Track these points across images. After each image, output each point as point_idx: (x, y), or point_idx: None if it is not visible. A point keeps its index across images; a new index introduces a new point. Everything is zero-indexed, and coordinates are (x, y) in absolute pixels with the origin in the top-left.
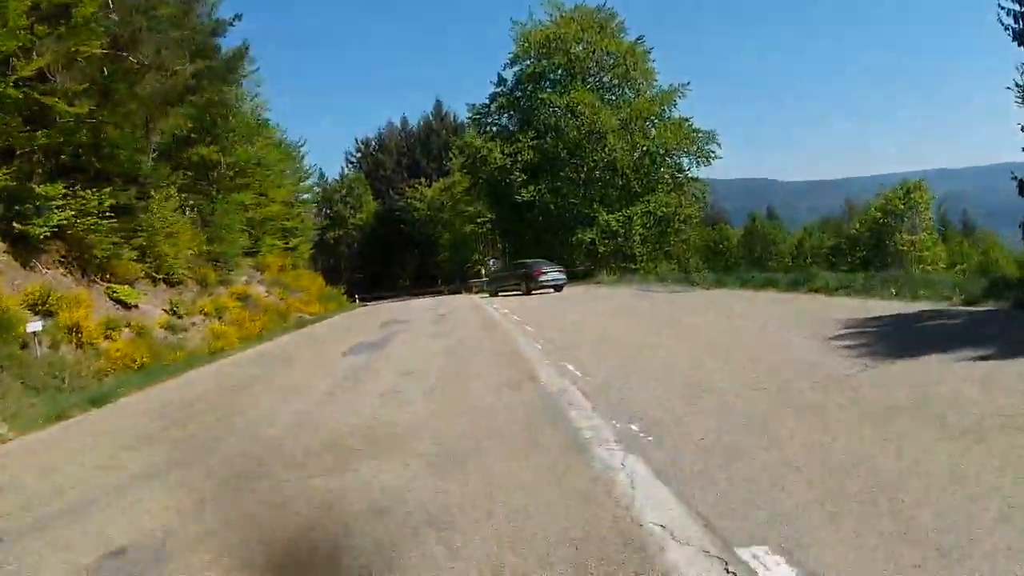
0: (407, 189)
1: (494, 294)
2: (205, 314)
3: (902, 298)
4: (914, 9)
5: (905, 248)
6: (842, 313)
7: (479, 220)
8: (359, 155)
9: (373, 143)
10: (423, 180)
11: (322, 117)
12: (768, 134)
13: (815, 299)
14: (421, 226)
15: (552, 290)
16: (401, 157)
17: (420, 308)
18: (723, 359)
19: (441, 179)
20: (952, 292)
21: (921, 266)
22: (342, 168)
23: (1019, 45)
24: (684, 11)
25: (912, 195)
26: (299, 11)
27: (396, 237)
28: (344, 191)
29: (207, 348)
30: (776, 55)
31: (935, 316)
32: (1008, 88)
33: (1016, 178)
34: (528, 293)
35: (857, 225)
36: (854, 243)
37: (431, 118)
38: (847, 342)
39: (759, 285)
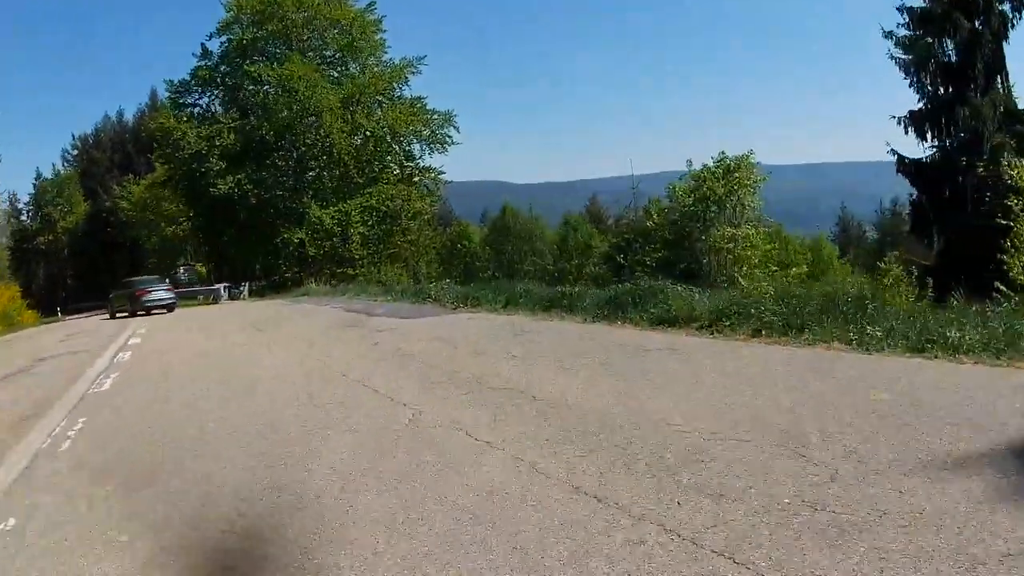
0: (115, 187)
1: (113, 315)
2: None
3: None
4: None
5: (723, 245)
6: None
7: (181, 220)
8: (75, 152)
9: (90, 139)
10: (132, 177)
11: (47, 111)
12: (498, 137)
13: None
14: (129, 228)
15: (165, 311)
16: (115, 153)
17: (53, 341)
18: None
19: (149, 175)
20: None
21: (744, 268)
22: (53, 166)
23: None
24: None
25: (737, 174)
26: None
27: (106, 241)
28: (55, 192)
29: None
30: (502, 49)
31: None
32: (886, 37)
33: (893, 151)
34: (134, 314)
35: (654, 216)
36: (647, 239)
37: (146, 109)
38: None
39: (540, 306)
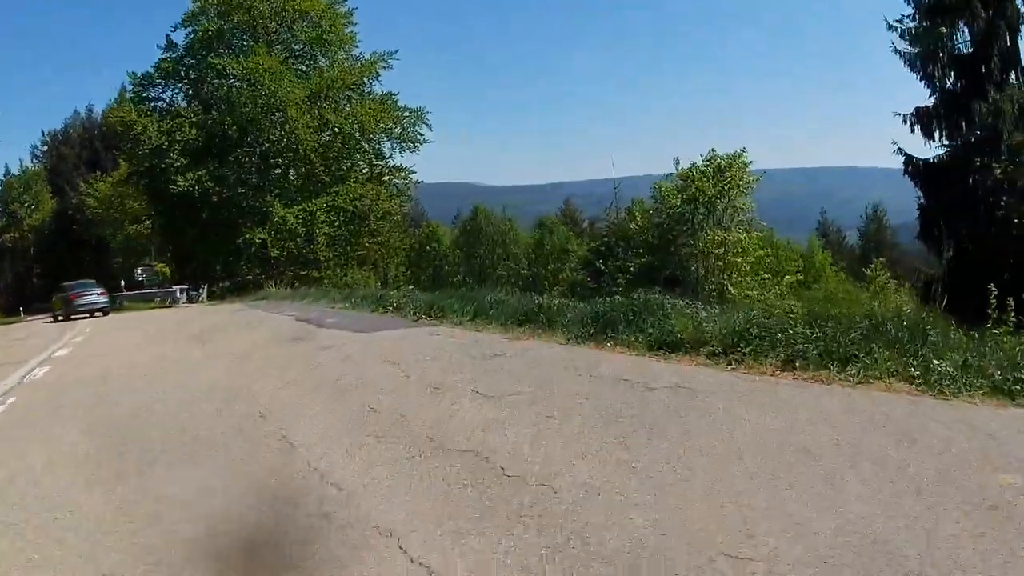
0: (82, 184)
1: (56, 319)
2: None
3: None
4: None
5: (712, 250)
6: None
7: (143, 218)
8: (45, 148)
9: (59, 135)
10: (99, 173)
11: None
12: (470, 139)
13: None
14: (94, 226)
15: (100, 314)
16: (83, 150)
17: None
18: None
19: (116, 172)
20: None
21: (734, 275)
22: (21, 162)
23: None
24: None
25: (728, 174)
26: None
27: (72, 239)
28: (22, 188)
29: None
30: (472, 48)
31: None
32: (890, 28)
33: (900, 150)
34: (68, 318)
35: (638, 219)
36: (629, 242)
37: (116, 104)
38: None
39: (513, 321)
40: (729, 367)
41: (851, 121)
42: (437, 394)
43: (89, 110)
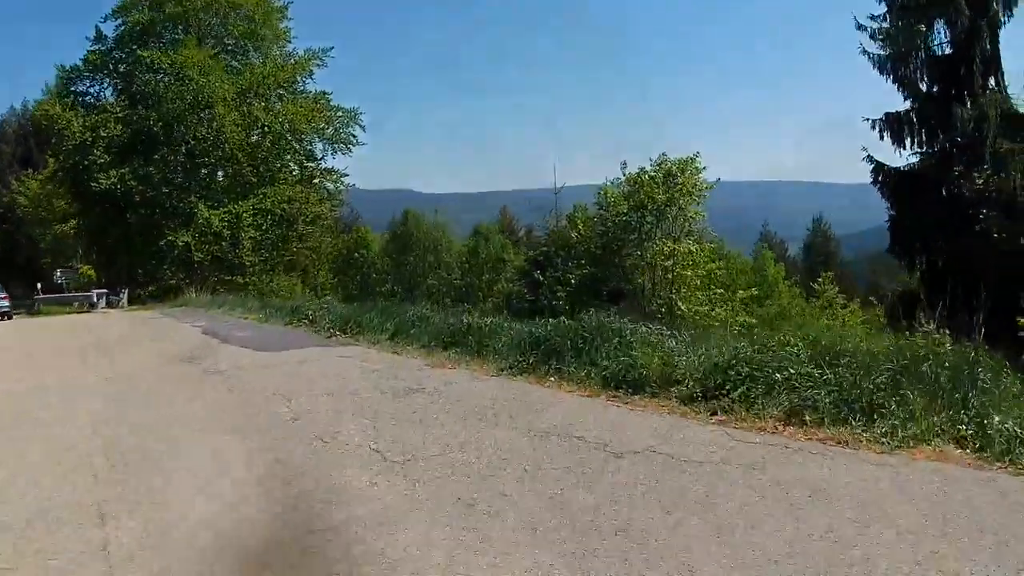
0: (14, 182)
1: None
2: None
3: None
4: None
5: (660, 261)
6: None
7: (69, 218)
8: None
9: None
10: (30, 171)
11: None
12: (406, 147)
13: None
14: (25, 226)
15: (5, 319)
16: (18, 147)
17: None
18: None
19: (46, 170)
20: None
21: (682, 290)
22: None
23: None
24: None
25: (680, 179)
26: None
27: (4, 238)
28: None
29: None
30: (412, 47)
31: None
32: (860, 29)
33: (870, 157)
34: None
35: (580, 227)
36: (569, 252)
37: (45, 99)
38: None
39: (438, 342)
40: (714, 418)
41: (799, 136)
42: (324, 452)
43: (25, 106)
